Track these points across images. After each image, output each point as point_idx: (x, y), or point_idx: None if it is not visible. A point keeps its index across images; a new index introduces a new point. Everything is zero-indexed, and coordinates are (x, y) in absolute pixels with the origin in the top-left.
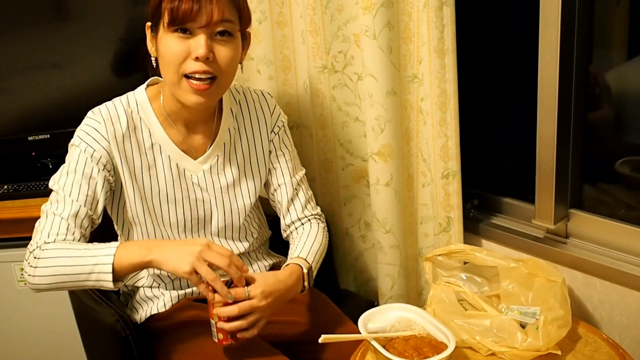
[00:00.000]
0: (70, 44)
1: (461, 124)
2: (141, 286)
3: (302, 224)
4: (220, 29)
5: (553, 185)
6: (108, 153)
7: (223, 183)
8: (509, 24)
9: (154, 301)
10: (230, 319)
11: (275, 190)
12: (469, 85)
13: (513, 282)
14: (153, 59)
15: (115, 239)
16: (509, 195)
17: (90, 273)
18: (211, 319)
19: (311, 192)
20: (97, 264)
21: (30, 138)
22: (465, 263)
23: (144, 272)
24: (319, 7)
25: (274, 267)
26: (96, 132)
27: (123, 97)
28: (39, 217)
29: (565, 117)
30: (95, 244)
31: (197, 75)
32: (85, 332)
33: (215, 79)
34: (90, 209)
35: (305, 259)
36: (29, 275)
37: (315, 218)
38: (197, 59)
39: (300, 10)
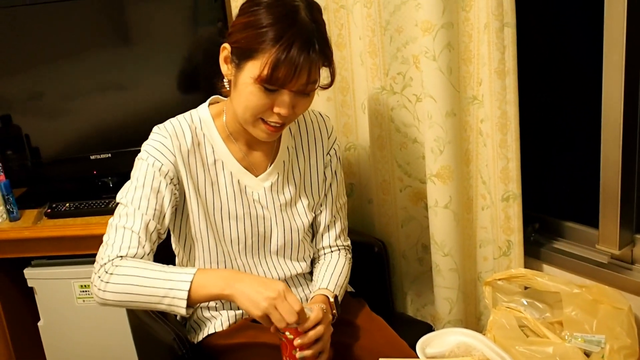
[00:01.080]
0: (134, 66)
1: (522, 145)
2: (199, 306)
3: (332, 252)
4: (306, 90)
5: (618, 209)
6: (175, 167)
7: (282, 201)
8: (572, 44)
9: (211, 321)
10: (303, 348)
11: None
12: (529, 106)
13: (576, 309)
14: (226, 81)
15: (172, 258)
16: (571, 219)
17: (164, 297)
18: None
19: (347, 223)
20: (172, 288)
21: (92, 157)
22: (526, 288)
23: None
24: (378, 28)
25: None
26: (163, 146)
27: (187, 114)
28: (99, 235)
29: (631, 140)
30: (171, 266)
31: (273, 123)
32: (142, 350)
33: (283, 125)
34: (159, 223)
35: (332, 291)
36: (99, 289)
37: (344, 249)
38: (278, 114)
39: (359, 32)
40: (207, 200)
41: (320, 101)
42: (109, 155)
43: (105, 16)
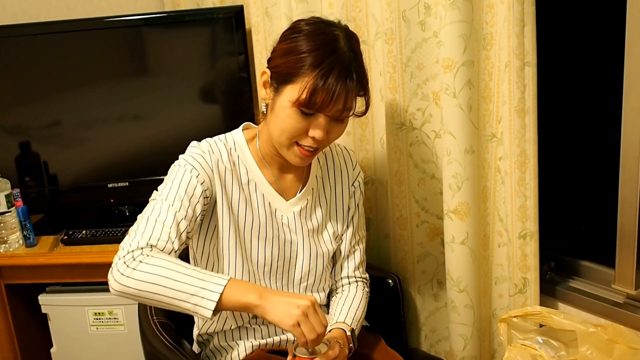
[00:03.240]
0: (152, 96)
1: (539, 183)
2: (215, 332)
3: (349, 284)
4: (341, 117)
5: (635, 250)
6: (210, 181)
7: (310, 227)
8: (591, 84)
9: (227, 351)
10: None
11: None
12: (547, 145)
13: (592, 348)
14: (263, 105)
15: None
16: (586, 258)
17: (192, 295)
18: None
19: (365, 256)
20: (204, 288)
21: (109, 185)
22: (541, 326)
23: (225, 314)
24: (399, 65)
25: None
26: (202, 158)
27: (221, 136)
28: None
29: None
30: (203, 270)
31: (307, 147)
32: None
33: (316, 150)
34: (189, 226)
35: (349, 325)
36: (122, 274)
37: (362, 281)
38: (313, 138)
39: (380, 67)
40: (239, 217)
41: None
42: (127, 183)
43: (123, 46)
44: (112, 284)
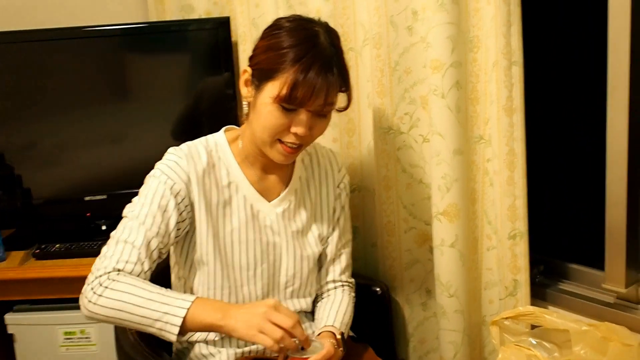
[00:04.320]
0: (129, 121)
1: (527, 186)
2: (196, 342)
3: (335, 288)
4: (323, 112)
5: (624, 248)
6: (187, 187)
7: (294, 228)
8: (578, 83)
9: (209, 358)
10: None
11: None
12: (534, 148)
13: (586, 347)
14: (245, 104)
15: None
16: (576, 261)
17: (156, 320)
18: None
19: (351, 260)
20: (167, 312)
21: (86, 199)
22: (533, 328)
23: None
24: (387, 69)
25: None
26: (177, 165)
27: (202, 138)
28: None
29: (636, 178)
30: (169, 290)
31: (290, 144)
32: None
33: (300, 146)
34: (162, 242)
35: (338, 329)
36: (89, 301)
37: (348, 286)
38: (295, 134)
39: (368, 74)
40: (218, 222)
41: (326, 142)
42: (105, 196)
43: (102, 70)
44: (82, 309)
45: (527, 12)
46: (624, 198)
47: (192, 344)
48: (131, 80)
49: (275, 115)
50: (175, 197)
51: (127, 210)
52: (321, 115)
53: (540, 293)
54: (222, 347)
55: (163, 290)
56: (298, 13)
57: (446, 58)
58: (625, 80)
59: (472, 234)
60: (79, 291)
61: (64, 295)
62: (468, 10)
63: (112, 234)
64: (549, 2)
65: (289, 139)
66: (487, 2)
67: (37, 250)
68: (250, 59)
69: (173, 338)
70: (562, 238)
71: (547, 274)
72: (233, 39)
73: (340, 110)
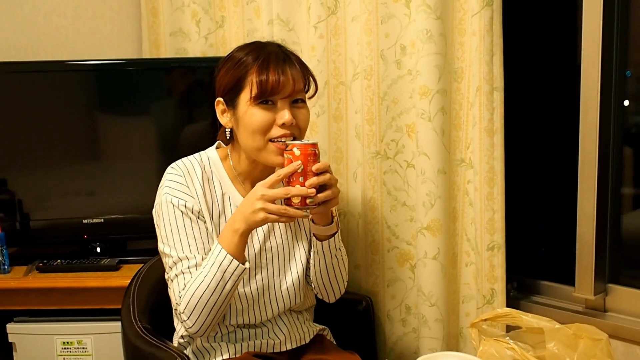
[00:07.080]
0: (103, 176)
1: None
2: (197, 335)
3: None
4: (297, 97)
5: (593, 257)
6: (194, 200)
7: (279, 240)
8: (554, 107)
9: (210, 353)
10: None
11: None
12: (511, 170)
13: (559, 344)
14: (228, 131)
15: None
16: (547, 278)
17: (222, 278)
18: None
19: None
20: (220, 265)
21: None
22: (508, 331)
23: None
24: (376, 98)
25: (318, 335)
26: (180, 184)
27: (196, 155)
28: (91, 287)
29: (604, 193)
30: (205, 260)
31: (282, 139)
32: None
33: (294, 139)
34: (205, 253)
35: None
36: (189, 327)
37: None
38: (282, 125)
39: (357, 106)
40: (218, 230)
41: None
42: (102, 220)
43: (77, 131)
44: (194, 336)
45: (509, 43)
46: (594, 211)
47: (192, 340)
48: (104, 143)
49: (258, 115)
50: (192, 213)
51: (165, 247)
52: (298, 102)
53: (514, 304)
54: (222, 341)
55: (202, 263)
56: (292, 50)
57: (433, 85)
58: (595, 105)
59: (452, 249)
60: (80, 302)
61: (65, 306)
62: (454, 44)
63: (166, 277)
64: (528, 35)
65: (279, 133)
66: (472, 34)
67: (41, 264)
68: (217, 90)
69: (242, 267)
70: (535, 257)
71: (520, 290)
72: None
73: (310, 97)
